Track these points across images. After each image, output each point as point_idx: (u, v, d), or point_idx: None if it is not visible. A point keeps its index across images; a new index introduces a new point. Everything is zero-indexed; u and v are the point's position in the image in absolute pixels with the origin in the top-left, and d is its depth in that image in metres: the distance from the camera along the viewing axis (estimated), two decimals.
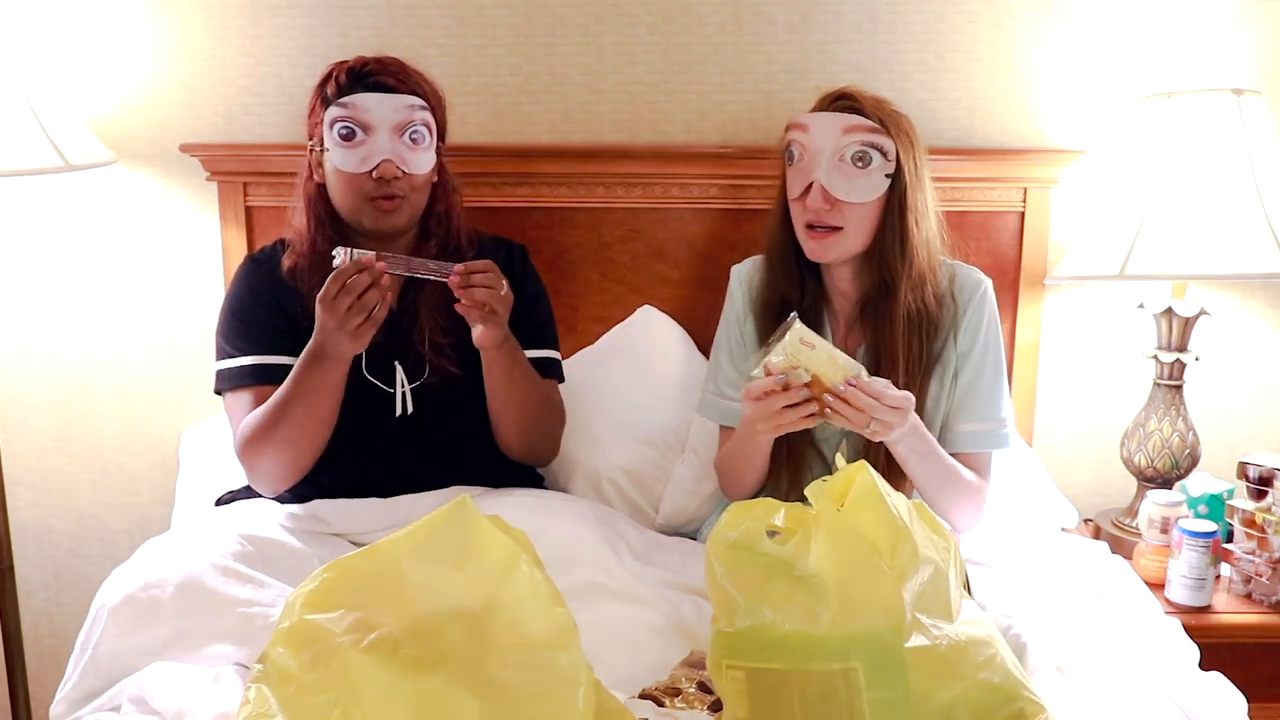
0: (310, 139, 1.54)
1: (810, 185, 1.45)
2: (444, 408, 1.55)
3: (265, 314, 1.53)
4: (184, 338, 1.98)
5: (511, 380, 1.49)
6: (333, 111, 1.47)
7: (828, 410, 1.31)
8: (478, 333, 1.42)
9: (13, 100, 1.67)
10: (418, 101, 1.50)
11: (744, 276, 1.62)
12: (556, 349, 1.66)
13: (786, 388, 1.31)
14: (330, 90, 1.49)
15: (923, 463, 1.42)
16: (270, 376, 1.49)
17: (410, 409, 1.54)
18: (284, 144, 1.90)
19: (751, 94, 1.91)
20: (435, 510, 0.94)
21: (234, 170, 1.88)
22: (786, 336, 1.31)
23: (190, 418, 1.98)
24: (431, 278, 1.39)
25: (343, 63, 1.52)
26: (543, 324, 1.63)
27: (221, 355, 1.54)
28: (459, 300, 1.38)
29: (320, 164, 1.53)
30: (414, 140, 1.49)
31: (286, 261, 1.54)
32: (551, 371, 1.63)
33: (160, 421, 2.01)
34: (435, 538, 0.92)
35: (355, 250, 1.35)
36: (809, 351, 1.30)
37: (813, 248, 1.48)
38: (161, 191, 1.93)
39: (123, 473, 2.03)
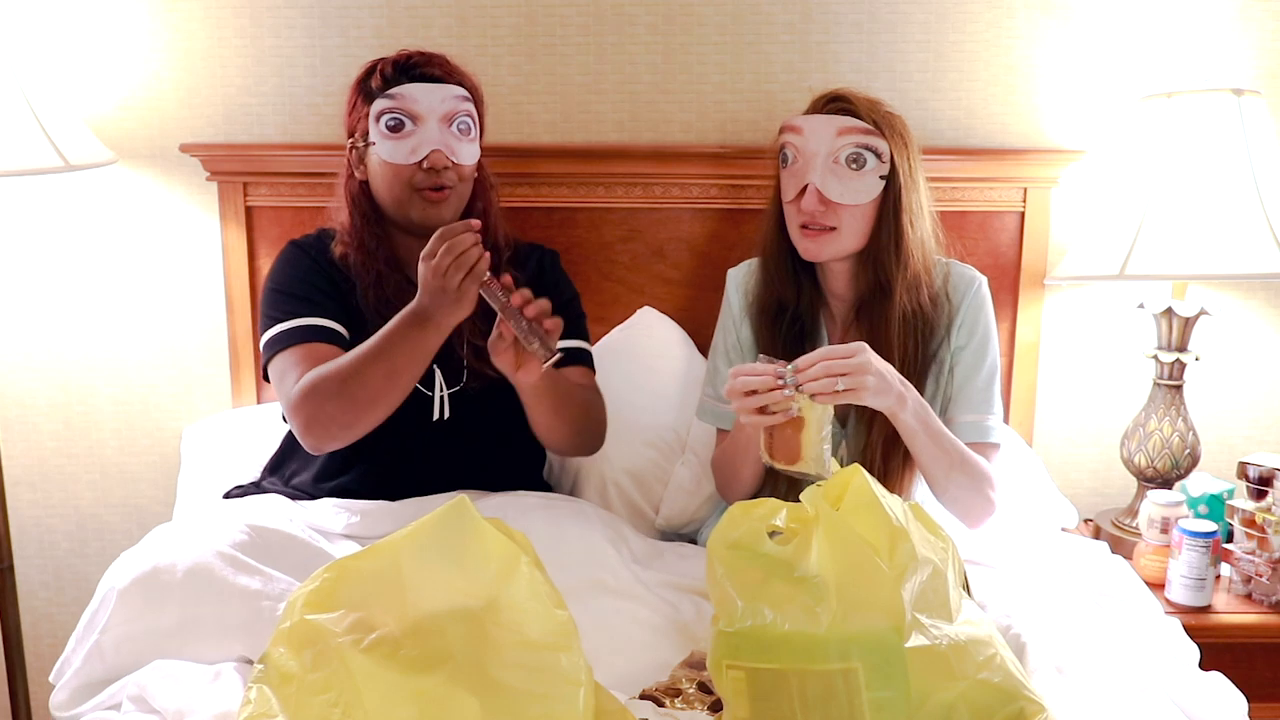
0: (350, 136, 1.52)
1: (805, 188, 1.45)
2: (480, 414, 1.54)
3: (315, 285, 1.51)
4: (184, 338, 1.98)
5: (555, 411, 1.48)
6: (380, 104, 1.46)
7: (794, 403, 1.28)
8: (520, 372, 1.39)
9: (13, 100, 1.67)
10: (463, 92, 1.50)
11: (739, 280, 1.62)
12: (588, 340, 1.66)
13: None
14: (375, 83, 1.48)
15: (930, 439, 1.38)
16: (322, 336, 1.47)
17: (447, 414, 1.53)
18: (284, 144, 1.90)
19: (751, 94, 1.91)
20: (435, 510, 0.94)
21: (234, 170, 1.88)
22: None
23: (190, 417, 1.98)
24: (512, 324, 1.32)
25: (384, 57, 1.51)
26: (576, 317, 1.63)
27: (269, 325, 1.49)
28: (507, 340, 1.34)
29: (362, 161, 1.52)
30: (461, 131, 1.49)
31: (337, 249, 1.54)
32: (584, 361, 1.62)
33: (160, 421, 2.01)
34: (435, 538, 0.92)
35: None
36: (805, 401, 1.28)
37: (806, 247, 1.48)
38: (161, 191, 1.93)
39: (123, 473, 2.03)
